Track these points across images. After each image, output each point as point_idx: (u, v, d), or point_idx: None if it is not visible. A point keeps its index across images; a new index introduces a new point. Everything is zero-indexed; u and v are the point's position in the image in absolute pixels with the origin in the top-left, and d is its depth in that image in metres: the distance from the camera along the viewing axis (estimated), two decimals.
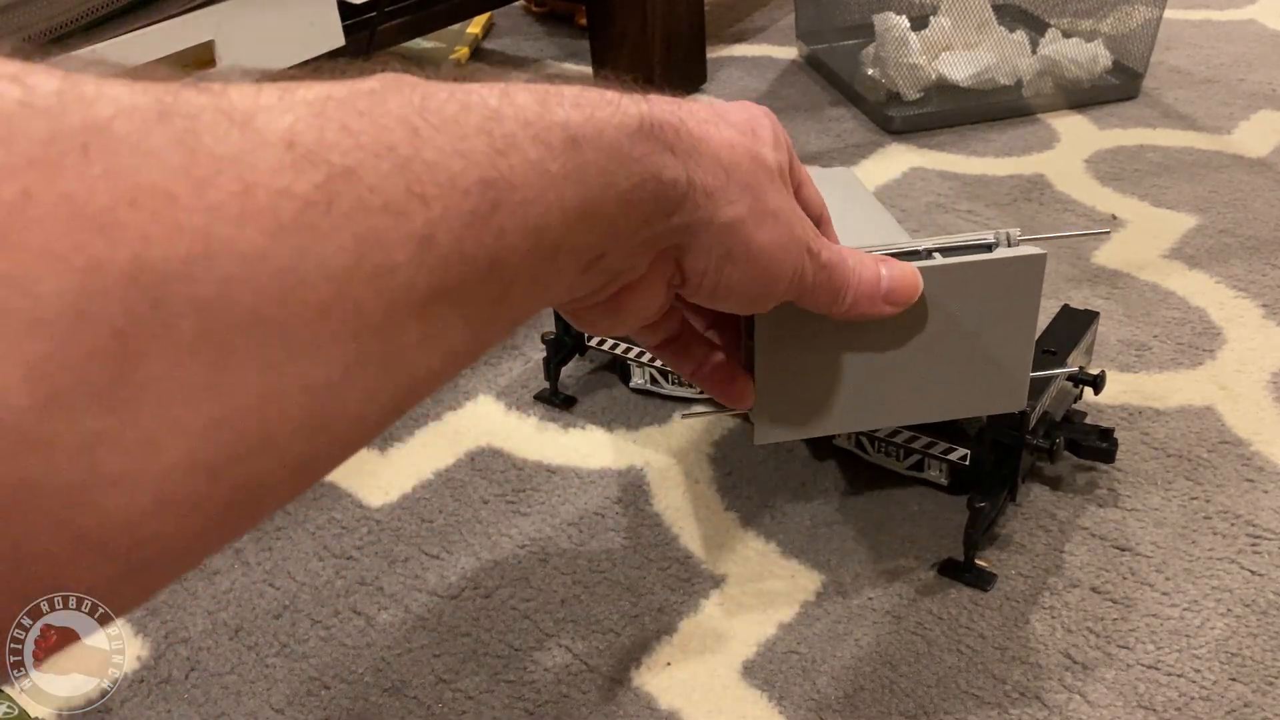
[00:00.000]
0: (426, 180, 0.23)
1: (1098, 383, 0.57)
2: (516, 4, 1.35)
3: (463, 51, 1.23)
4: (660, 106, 0.31)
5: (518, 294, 0.26)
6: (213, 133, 0.20)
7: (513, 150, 0.25)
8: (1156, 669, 0.49)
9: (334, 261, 0.21)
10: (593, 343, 0.66)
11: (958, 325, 0.43)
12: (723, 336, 0.44)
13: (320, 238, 0.21)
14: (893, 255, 0.41)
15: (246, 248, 0.20)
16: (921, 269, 0.41)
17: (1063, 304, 0.62)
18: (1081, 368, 0.59)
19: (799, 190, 0.39)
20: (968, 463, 0.55)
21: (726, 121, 0.35)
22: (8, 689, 0.49)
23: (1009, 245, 0.44)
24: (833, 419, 0.45)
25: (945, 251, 0.43)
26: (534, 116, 0.26)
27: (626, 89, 0.31)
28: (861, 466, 0.61)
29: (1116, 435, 0.60)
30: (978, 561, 0.55)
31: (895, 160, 0.96)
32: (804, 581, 0.55)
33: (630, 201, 0.29)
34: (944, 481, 0.58)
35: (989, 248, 0.44)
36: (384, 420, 0.24)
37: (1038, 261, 0.43)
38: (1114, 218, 0.84)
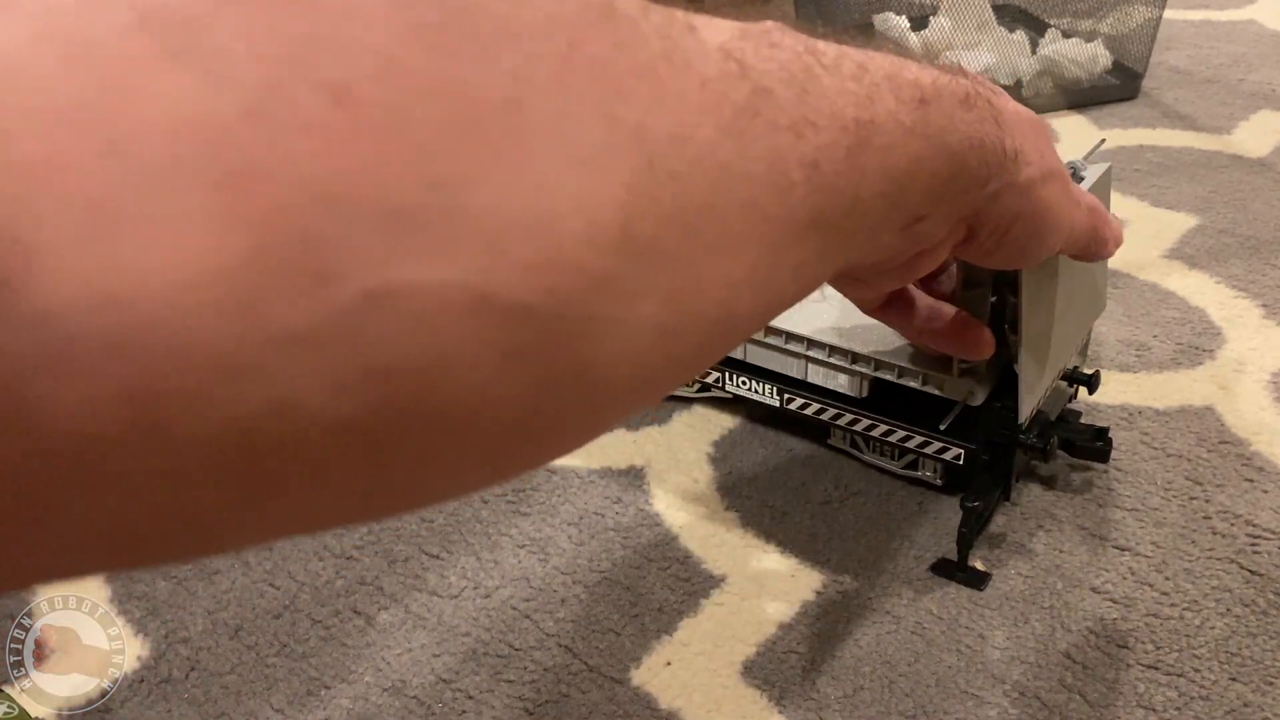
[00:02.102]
0: (819, 110, 0.25)
1: (1092, 382, 0.58)
2: None
3: None
4: (974, 79, 0.35)
5: (859, 239, 0.28)
6: (677, 30, 0.22)
7: (878, 98, 0.28)
8: (1156, 669, 0.49)
9: (754, 167, 0.23)
10: None
11: None
12: (932, 292, 0.48)
13: (747, 142, 0.23)
14: None
15: (705, 136, 0.22)
16: (1090, 183, 0.51)
17: None
18: (1076, 367, 0.59)
19: None
20: (961, 462, 0.55)
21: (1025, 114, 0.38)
22: (8, 689, 0.49)
23: (1082, 169, 0.53)
24: (1051, 367, 0.53)
25: None
26: (893, 72, 0.29)
27: (943, 68, 0.34)
28: (859, 466, 0.61)
29: (1116, 435, 0.60)
30: (972, 562, 0.55)
31: None
32: (804, 581, 0.55)
33: (960, 163, 0.32)
34: (938, 481, 0.58)
35: (1075, 169, 0.53)
36: (751, 332, 0.26)
37: (1109, 171, 0.54)
38: (1114, 218, 0.84)
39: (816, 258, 0.27)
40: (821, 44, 0.27)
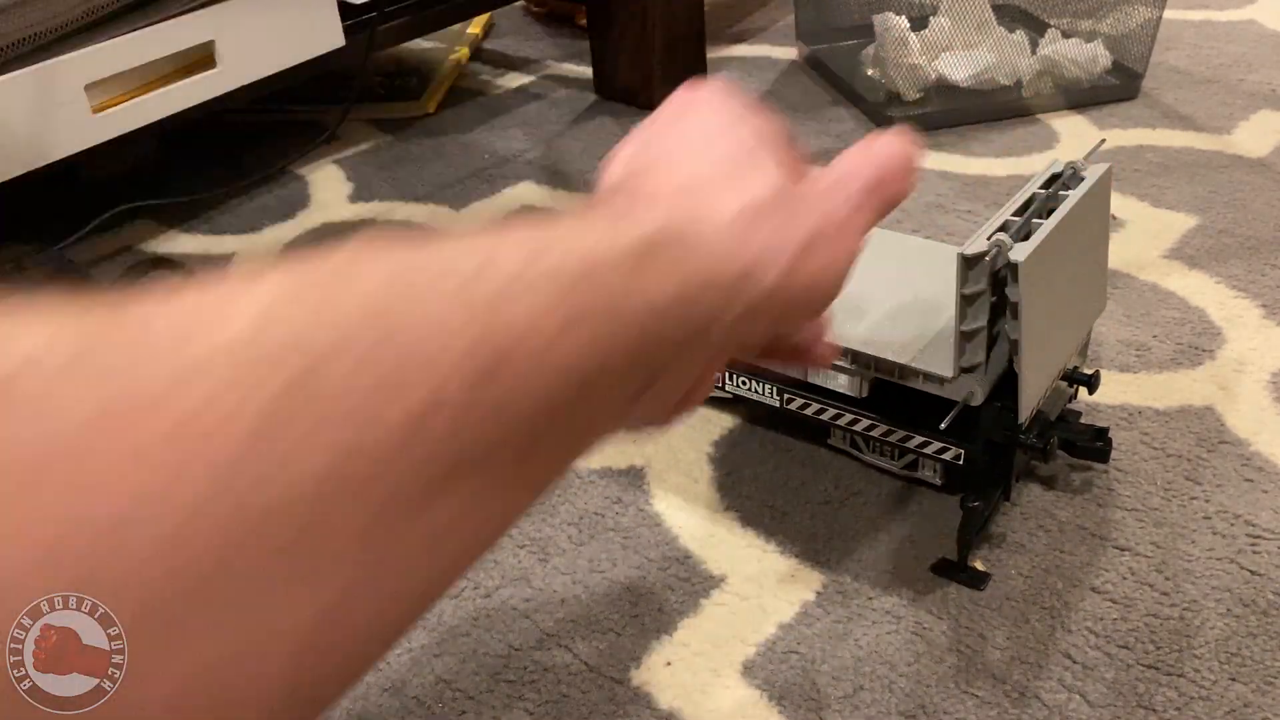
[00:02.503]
0: (415, 355, 0.21)
1: (1092, 382, 0.58)
2: (516, 4, 1.35)
3: (463, 52, 1.24)
4: (656, 212, 0.29)
5: (549, 445, 0.24)
6: (143, 366, 0.18)
7: (505, 306, 0.23)
8: (1156, 669, 0.49)
9: (302, 483, 0.18)
10: None
11: (1090, 234, 0.55)
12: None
13: (281, 460, 0.18)
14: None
15: (186, 497, 0.17)
16: (1090, 183, 0.53)
17: None
18: (1076, 367, 0.59)
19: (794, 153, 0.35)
20: (961, 462, 0.55)
21: (715, 157, 0.32)
22: None
23: (1083, 170, 0.55)
24: (1050, 367, 0.54)
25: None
26: (527, 266, 0.24)
27: (616, 211, 0.29)
28: (859, 466, 0.61)
29: (1116, 435, 0.60)
30: (972, 562, 0.55)
31: None
32: (804, 581, 0.55)
33: (655, 327, 0.26)
34: (938, 481, 0.58)
35: (1075, 170, 0.54)
36: (408, 623, 0.22)
37: (1109, 172, 0.55)
38: (1114, 218, 0.84)
39: (476, 497, 0.22)
40: (421, 258, 0.22)
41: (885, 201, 0.35)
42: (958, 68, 1.03)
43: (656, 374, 0.27)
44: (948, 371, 0.52)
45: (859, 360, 0.55)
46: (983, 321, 0.50)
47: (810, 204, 0.33)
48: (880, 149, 0.35)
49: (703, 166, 0.32)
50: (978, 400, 0.52)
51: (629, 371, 0.26)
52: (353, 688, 0.22)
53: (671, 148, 0.33)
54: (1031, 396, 0.52)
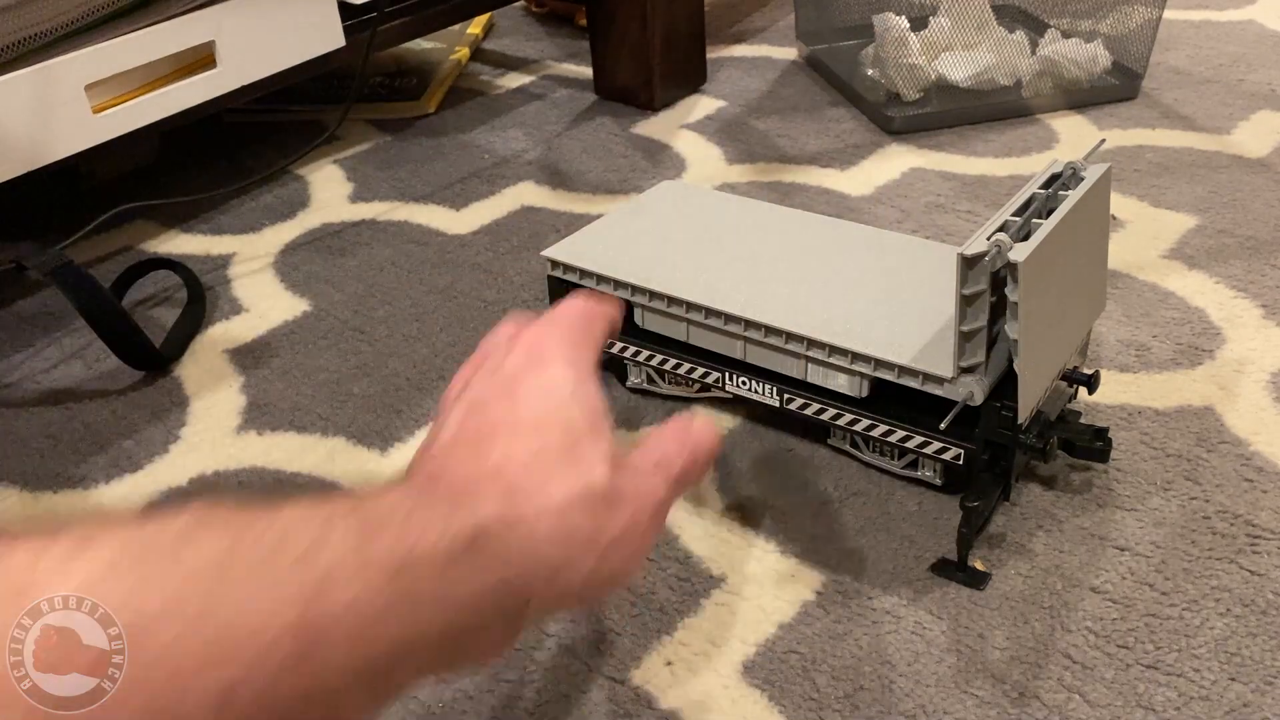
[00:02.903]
0: (228, 637, 0.22)
1: (1092, 383, 0.58)
2: (516, 4, 1.35)
3: (463, 52, 1.24)
4: (493, 501, 0.31)
5: (354, 704, 0.25)
6: None
7: (329, 589, 0.24)
8: (1156, 669, 0.49)
9: None
10: None
11: (1089, 234, 0.55)
12: None
13: (97, 713, 0.20)
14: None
15: None
16: (1089, 183, 0.54)
17: None
18: (1076, 367, 0.59)
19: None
20: (961, 462, 0.55)
21: (548, 453, 0.34)
22: None
23: (1082, 170, 0.55)
24: (1050, 367, 0.55)
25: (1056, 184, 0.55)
26: (357, 551, 0.25)
27: (457, 494, 0.31)
28: (859, 466, 0.61)
29: (1116, 435, 0.60)
30: (972, 562, 0.55)
31: (895, 160, 0.96)
32: (804, 581, 0.55)
33: (475, 613, 0.29)
34: (938, 481, 0.58)
35: (1075, 170, 0.55)
36: None
37: (1108, 172, 0.56)
38: (1114, 218, 0.84)
39: None
40: (256, 530, 0.24)
41: (688, 486, 0.40)
42: (958, 68, 1.03)
43: (467, 646, 0.29)
44: (948, 372, 0.52)
45: (859, 360, 0.55)
46: (983, 322, 0.50)
47: (627, 497, 0.36)
48: (696, 435, 0.40)
49: (532, 453, 0.34)
50: (978, 400, 0.52)
51: (441, 646, 0.28)
52: None
53: (501, 421, 0.36)
54: (1031, 396, 0.52)
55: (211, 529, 0.23)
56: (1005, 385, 0.52)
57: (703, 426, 0.41)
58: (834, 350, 0.56)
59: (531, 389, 0.37)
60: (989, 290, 0.49)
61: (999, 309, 0.50)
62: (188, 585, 0.22)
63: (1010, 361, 0.52)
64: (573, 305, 0.43)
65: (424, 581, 0.27)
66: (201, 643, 0.21)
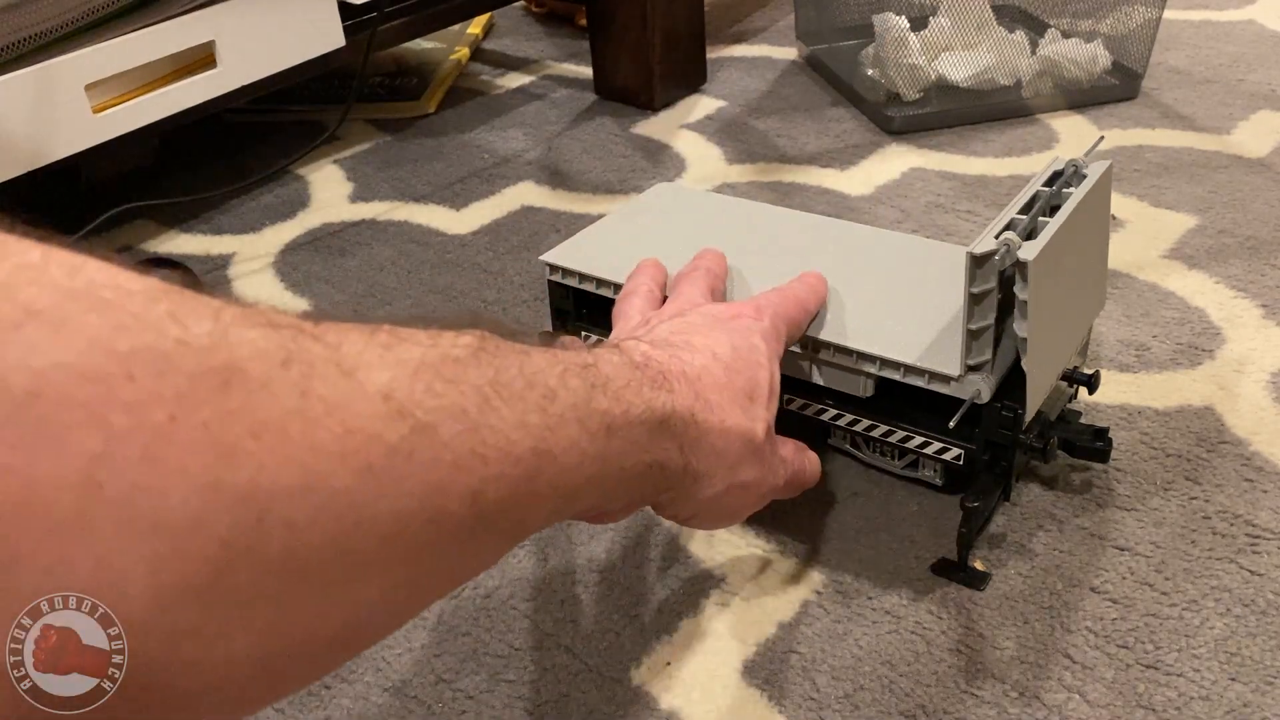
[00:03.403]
0: (488, 444, 0.27)
1: (1092, 383, 0.58)
2: (516, 4, 1.35)
3: (463, 52, 1.24)
4: (683, 396, 0.39)
5: (529, 528, 0.31)
6: (325, 380, 0.24)
7: (561, 427, 0.30)
8: (1156, 669, 0.49)
9: (403, 503, 0.25)
10: (589, 342, 0.66)
11: (1092, 231, 0.55)
12: None
13: (397, 481, 0.24)
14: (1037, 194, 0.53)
15: (338, 483, 0.23)
16: (1092, 181, 0.54)
17: None
18: (1076, 367, 0.59)
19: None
20: (961, 462, 0.55)
21: (732, 390, 0.43)
22: None
23: (1085, 168, 0.55)
24: (1056, 364, 0.55)
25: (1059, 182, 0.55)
26: (581, 401, 0.32)
27: (658, 378, 0.38)
28: (859, 466, 0.61)
29: (1116, 435, 0.60)
30: (972, 562, 0.55)
31: (895, 160, 0.96)
32: (804, 581, 0.55)
33: (635, 482, 0.36)
34: (938, 482, 0.58)
35: (1076, 168, 0.55)
36: (396, 628, 0.29)
37: (1109, 170, 0.56)
38: (1114, 218, 0.84)
39: (483, 550, 0.29)
40: (512, 371, 0.29)
41: (784, 494, 0.50)
42: (958, 68, 1.03)
43: (604, 506, 0.36)
44: (954, 370, 0.52)
45: (864, 360, 0.55)
46: (990, 320, 0.50)
47: (764, 463, 0.45)
48: (809, 459, 0.52)
49: (722, 383, 0.42)
50: (985, 398, 0.52)
51: (606, 492, 0.35)
52: (338, 667, 0.30)
53: (708, 346, 0.44)
54: (1038, 394, 0.52)
55: (484, 358, 0.29)
56: (1006, 385, 0.52)
57: (815, 459, 0.53)
58: (839, 350, 0.56)
59: (737, 338, 0.45)
60: (997, 288, 0.49)
61: (1005, 307, 0.50)
62: (465, 398, 0.27)
63: (1011, 361, 0.52)
64: (799, 294, 0.53)
65: (620, 442, 0.33)
66: (470, 445, 0.27)
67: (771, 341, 0.48)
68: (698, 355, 0.43)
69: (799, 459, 0.51)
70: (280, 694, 0.25)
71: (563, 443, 0.30)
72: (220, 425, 0.21)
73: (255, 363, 0.23)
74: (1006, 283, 0.49)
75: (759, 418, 0.43)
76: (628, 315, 0.52)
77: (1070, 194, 0.53)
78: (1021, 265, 0.47)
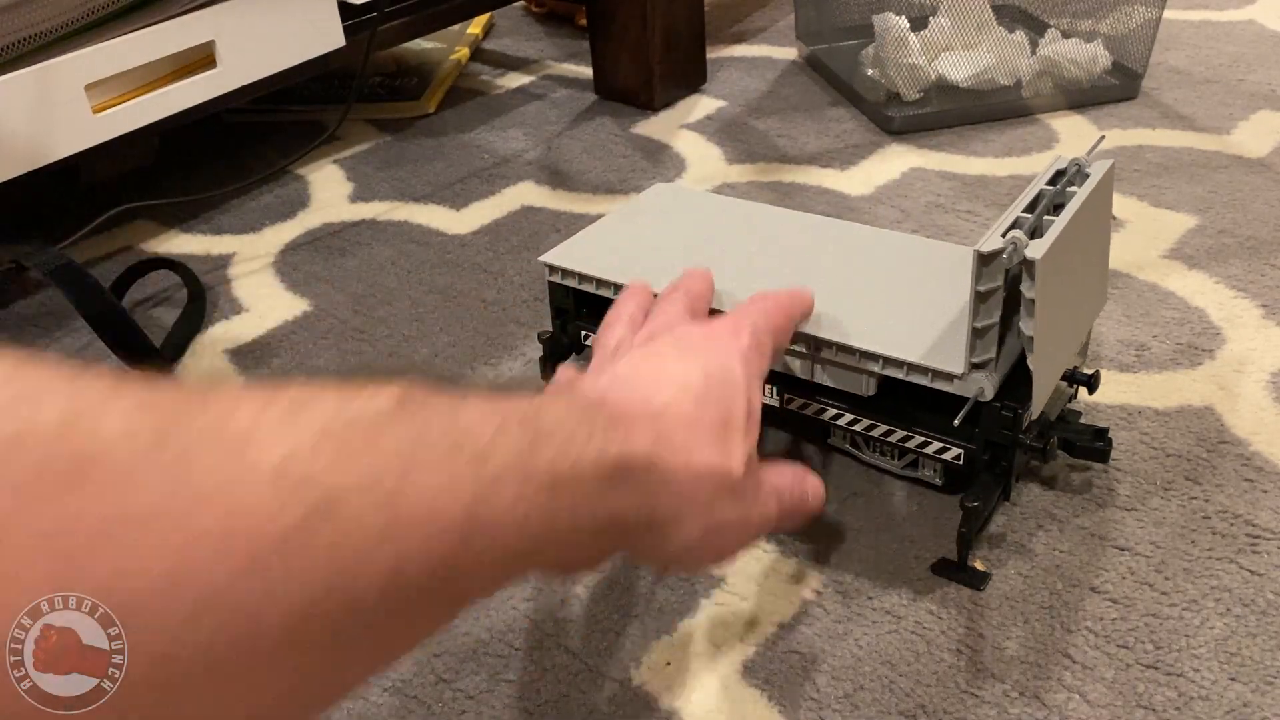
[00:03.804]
0: (409, 515, 0.24)
1: (1092, 383, 0.58)
2: (516, 4, 1.35)
3: (463, 52, 1.24)
4: (642, 437, 0.34)
5: (469, 597, 0.29)
6: (205, 461, 0.21)
7: (497, 488, 0.27)
8: (1156, 669, 0.49)
9: (303, 593, 0.22)
10: (589, 342, 0.66)
11: (1094, 230, 0.55)
12: None
13: (293, 572, 0.22)
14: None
15: (218, 579, 0.20)
16: (1095, 179, 0.53)
17: None
18: (1076, 368, 0.59)
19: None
20: (961, 462, 0.55)
21: (703, 425, 0.38)
22: None
23: (1087, 166, 0.55)
24: (1060, 362, 0.55)
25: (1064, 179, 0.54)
26: (522, 456, 0.29)
27: (613, 420, 0.34)
28: (859, 466, 0.61)
29: (1116, 435, 0.60)
30: (972, 562, 0.55)
31: (895, 160, 0.96)
32: (804, 581, 0.55)
33: (590, 538, 0.33)
34: (938, 481, 0.58)
35: (1079, 167, 0.55)
36: (324, 709, 0.26)
37: (1111, 169, 0.56)
38: (1114, 218, 0.84)
39: (412, 629, 0.27)
40: (438, 429, 0.26)
41: (782, 527, 0.46)
42: (958, 68, 1.03)
43: (575, 558, 0.34)
44: (958, 368, 0.52)
45: (867, 359, 0.55)
46: (995, 318, 0.50)
47: (748, 499, 0.41)
48: (810, 486, 0.47)
49: (691, 418, 0.38)
50: (988, 396, 0.52)
51: (561, 552, 0.32)
52: None
53: (674, 379, 0.40)
54: (1043, 392, 0.52)
55: (404, 416, 0.26)
56: (1006, 385, 0.52)
57: (817, 485, 0.47)
58: (841, 349, 0.56)
59: (710, 364, 0.42)
60: (1003, 289, 0.49)
61: (1010, 305, 0.50)
62: (379, 466, 0.24)
63: (1012, 361, 0.52)
64: (780, 299, 0.49)
65: (568, 498, 0.30)
66: (385, 519, 0.24)
67: (752, 361, 0.44)
68: (663, 389, 0.39)
69: (796, 486, 0.46)
70: None
71: (500, 504, 0.27)
72: (67, 523, 0.19)
73: (119, 448, 0.20)
74: (1010, 281, 0.49)
75: (734, 452, 0.40)
76: (604, 345, 0.49)
77: (1074, 193, 0.53)
78: (1029, 264, 0.47)
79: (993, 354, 0.51)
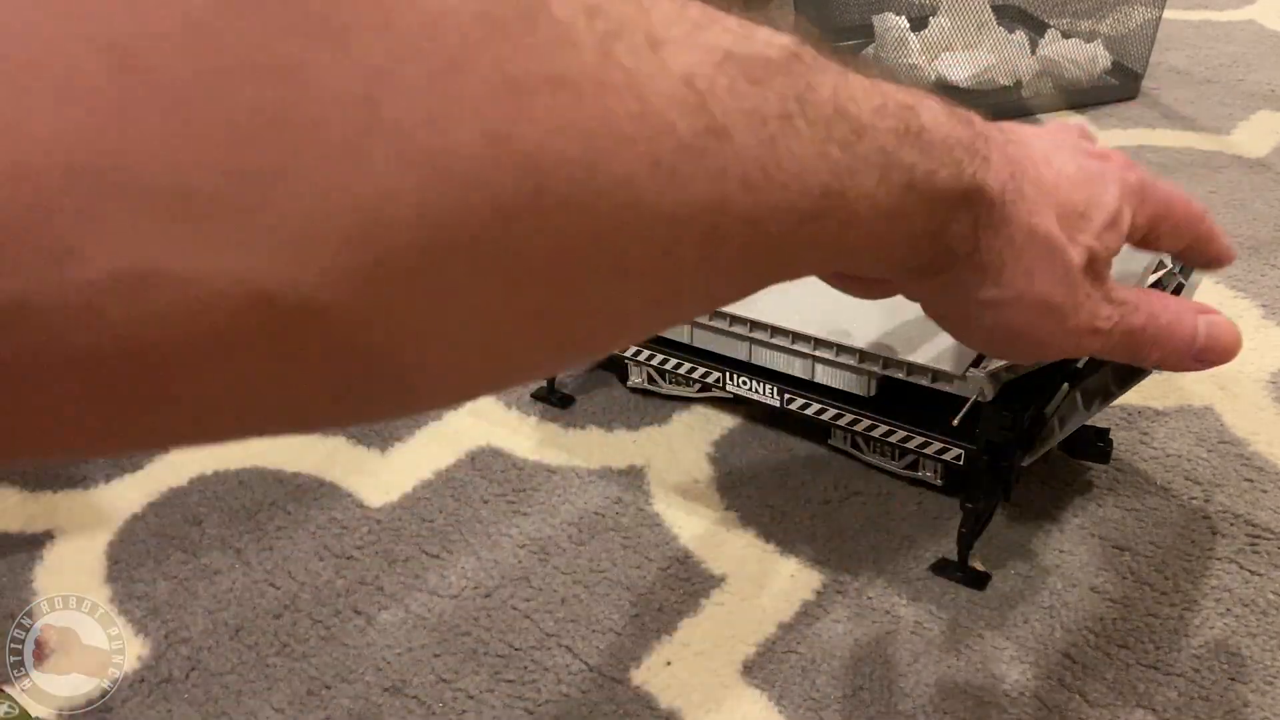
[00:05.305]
0: (782, 168, 0.23)
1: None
2: None
3: None
4: (996, 174, 0.32)
5: (792, 275, 0.27)
6: (629, 46, 0.20)
7: (861, 170, 0.26)
8: (1156, 669, 0.49)
9: (681, 211, 0.21)
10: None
11: None
12: None
13: (680, 185, 0.21)
14: None
15: (622, 171, 0.20)
16: None
17: None
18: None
19: (1145, 243, 0.39)
20: (961, 462, 0.55)
21: (1060, 195, 0.35)
22: (8, 689, 0.49)
23: None
24: None
25: None
26: (889, 147, 0.27)
27: (975, 143, 0.31)
28: (859, 466, 0.61)
29: (1116, 435, 0.60)
30: (972, 562, 0.55)
31: None
32: (804, 581, 0.55)
33: (911, 251, 0.30)
34: (938, 482, 0.58)
35: None
36: (631, 343, 0.26)
37: None
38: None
39: (739, 287, 0.26)
40: (824, 92, 0.25)
41: (1135, 354, 0.38)
42: (958, 68, 1.03)
43: (871, 272, 0.32)
44: (958, 369, 0.52)
45: (868, 359, 0.55)
46: None
47: (1080, 296, 0.36)
48: (1189, 323, 0.38)
49: (1053, 187, 0.35)
50: (988, 396, 0.52)
51: (871, 264, 0.30)
52: (565, 369, 0.26)
53: (1050, 155, 0.36)
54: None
55: (792, 71, 0.24)
56: (1005, 385, 0.52)
57: (1221, 324, 0.39)
58: (842, 349, 0.56)
59: (1093, 166, 0.37)
60: None
61: None
62: (767, 108, 0.23)
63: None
64: (1188, 204, 0.41)
65: (916, 206, 0.28)
66: (763, 164, 0.23)
67: (1131, 194, 0.38)
68: (1035, 155, 0.36)
69: (1178, 315, 0.38)
70: (517, 379, 0.23)
71: (857, 188, 0.26)
72: (514, 68, 0.18)
73: (560, 4, 0.19)
74: None
75: (1079, 239, 0.35)
76: None
77: None
78: None
79: None
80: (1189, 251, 0.41)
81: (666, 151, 0.21)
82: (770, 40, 0.24)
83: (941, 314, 0.36)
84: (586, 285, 0.21)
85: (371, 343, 0.18)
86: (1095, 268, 0.36)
